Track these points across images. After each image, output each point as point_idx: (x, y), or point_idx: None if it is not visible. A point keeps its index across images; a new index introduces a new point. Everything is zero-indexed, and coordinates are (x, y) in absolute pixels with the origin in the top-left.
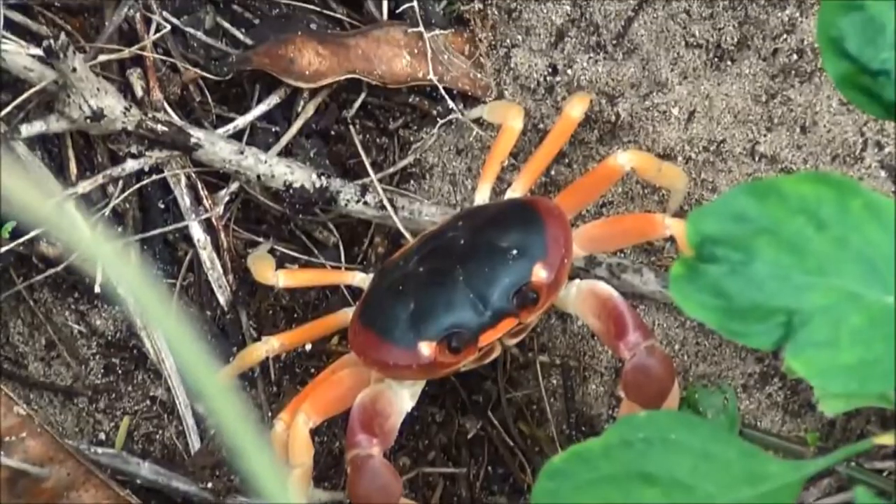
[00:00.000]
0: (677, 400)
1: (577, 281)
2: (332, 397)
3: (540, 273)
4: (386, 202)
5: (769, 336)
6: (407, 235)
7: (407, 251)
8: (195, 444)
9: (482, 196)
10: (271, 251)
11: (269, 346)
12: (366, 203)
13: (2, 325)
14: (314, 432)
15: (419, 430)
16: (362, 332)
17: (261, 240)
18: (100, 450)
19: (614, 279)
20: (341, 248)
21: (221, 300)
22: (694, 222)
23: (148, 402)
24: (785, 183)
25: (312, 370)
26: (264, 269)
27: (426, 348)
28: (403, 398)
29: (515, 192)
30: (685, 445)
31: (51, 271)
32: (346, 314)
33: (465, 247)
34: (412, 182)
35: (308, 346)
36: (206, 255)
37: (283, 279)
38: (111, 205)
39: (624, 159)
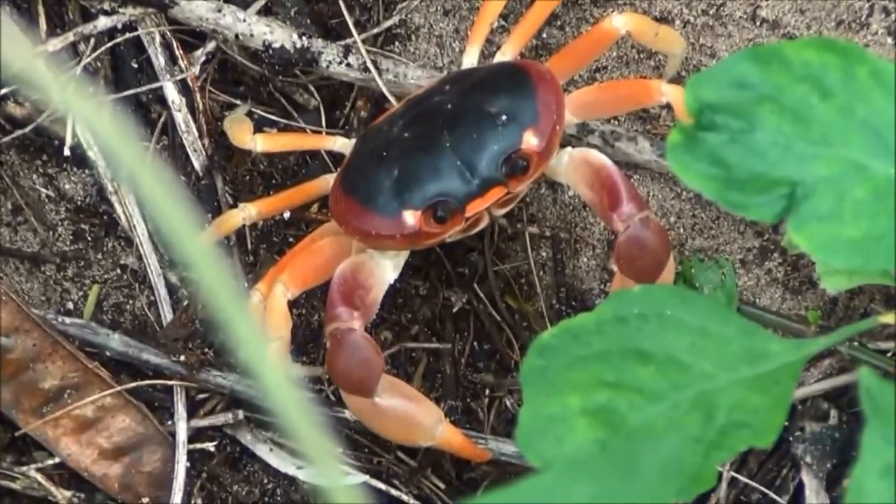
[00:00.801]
0: (672, 274)
1: (568, 149)
2: (311, 267)
3: (530, 140)
4: (370, 64)
5: (770, 208)
6: (391, 99)
7: (391, 115)
8: (167, 315)
9: (470, 59)
10: (249, 114)
11: (245, 213)
12: (348, 65)
13: None
14: (292, 304)
15: (402, 304)
16: (344, 199)
17: (238, 102)
18: (68, 320)
19: (608, 147)
20: (322, 111)
21: (196, 165)
22: (693, 89)
23: (118, 270)
24: (788, 48)
25: (291, 239)
26: (241, 133)
27: (410, 217)
28: (386, 269)
29: (505, 55)
30: (682, 322)
31: (18, 132)
32: (327, 181)
33: (451, 111)
34: (397, 44)
35: (286, 214)
36: (181, 117)
37: (261, 143)
38: (82, 64)
39: (619, 22)
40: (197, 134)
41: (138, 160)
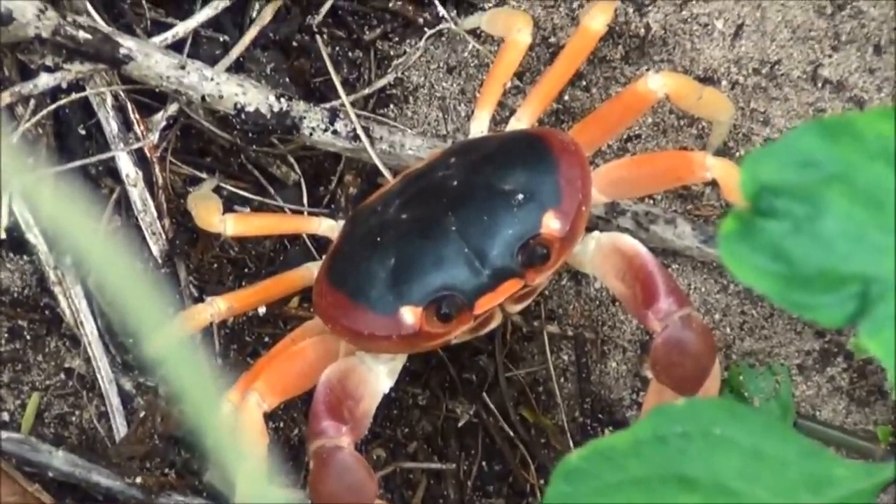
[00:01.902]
0: (718, 383)
1: (595, 233)
2: (291, 374)
3: (551, 223)
4: (360, 131)
5: (840, 309)
6: (385, 173)
7: (385, 194)
8: (121, 428)
9: (479, 126)
10: (217, 190)
11: (214, 308)
12: (335, 132)
13: None
14: (268, 417)
15: (397, 416)
16: (330, 293)
17: (204, 175)
18: (3, 434)
19: (642, 231)
20: (304, 187)
21: (155, 250)
22: (750, 167)
23: (62, 375)
24: (861, 120)
25: (266, 339)
26: (208, 213)
27: (410, 315)
28: (379, 376)
29: (521, 121)
30: (732, 442)
31: None
32: (310, 271)
33: (458, 189)
34: (392, 106)
35: (262, 310)
36: (137, 193)
37: (233, 226)
38: (20, 129)
39: (656, 83)
40: (156, 214)
41: (89, 242)
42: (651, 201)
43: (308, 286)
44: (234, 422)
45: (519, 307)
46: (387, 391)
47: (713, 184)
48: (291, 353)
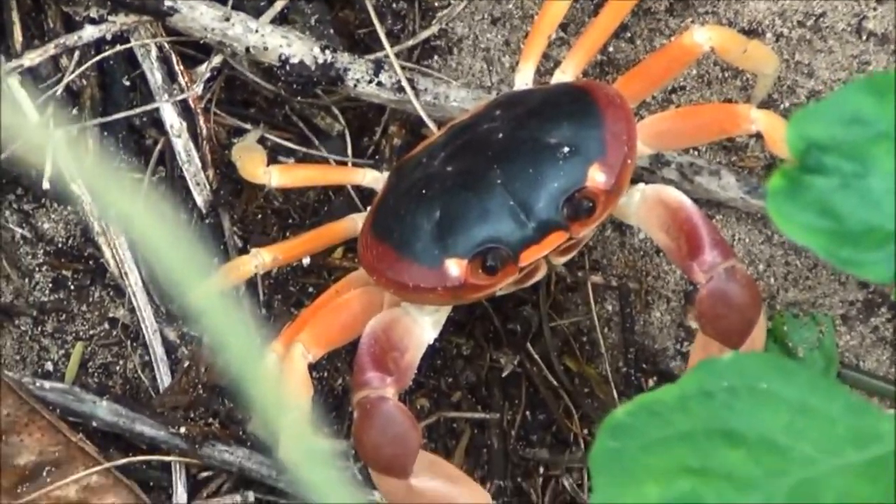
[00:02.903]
0: (764, 334)
1: (640, 185)
2: (336, 325)
3: (597, 176)
4: (405, 82)
5: (887, 266)
6: (430, 125)
7: (430, 145)
8: (164, 378)
9: (524, 78)
10: (261, 141)
11: (258, 259)
12: (379, 83)
13: None
14: (312, 367)
15: (441, 366)
16: (375, 245)
17: (249, 126)
18: (47, 384)
19: (686, 182)
20: (348, 138)
21: (199, 201)
22: (797, 125)
23: (106, 325)
24: None
25: (311, 289)
26: (253, 164)
27: (455, 267)
28: (424, 327)
29: (565, 74)
30: (778, 397)
31: None
32: (355, 222)
33: (503, 142)
34: (436, 58)
35: (305, 261)
36: (181, 144)
37: (277, 177)
38: (65, 81)
39: (702, 37)
40: (200, 164)
41: (131, 195)
42: (695, 153)
43: (352, 237)
44: (278, 372)
45: (564, 259)
46: (431, 342)
47: (758, 136)
48: (336, 304)
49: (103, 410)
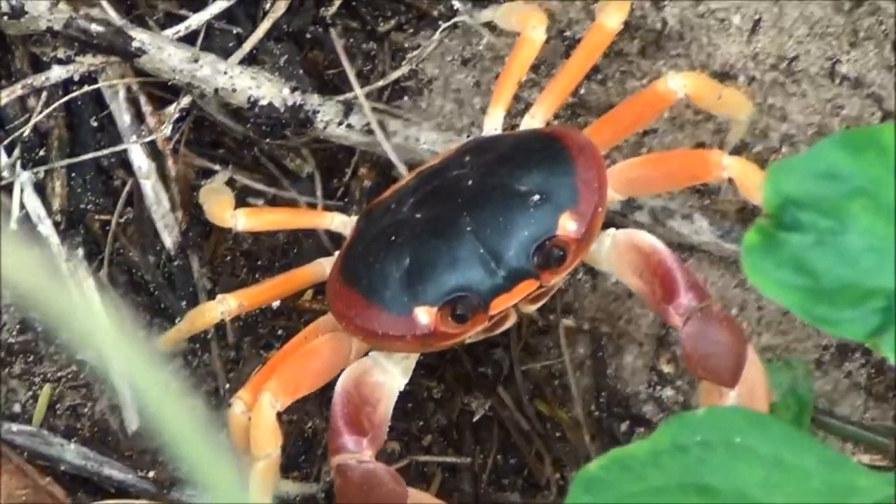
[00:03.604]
0: (760, 368)
1: (611, 230)
2: (304, 372)
3: (568, 224)
4: (374, 124)
5: (864, 324)
6: (400, 167)
7: (399, 191)
8: (133, 421)
9: (493, 123)
10: (230, 183)
11: (224, 306)
12: (349, 125)
13: None
14: (282, 411)
15: (412, 409)
16: (344, 292)
17: (218, 167)
18: (14, 426)
19: (658, 226)
20: (318, 180)
21: (168, 242)
22: (773, 180)
23: (74, 366)
24: (885, 133)
25: (280, 332)
26: (220, 207)
27: (425, 315)
28: (394, 376)
29: (535, 118)
30: (753, 451)
31: None
32: (322, 267)
33: (473, 189)
34: (407, 99)
35: (276, 304)
36: (150, 185)
37: (244, 220)
38: (32, 122)
39: (676, 84)
40: (169, 206)
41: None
42: (668, 196)
43: (320, 282)
44: (246, 420)
45: (534, 307)
46: (402, 388)
47: (730, 182)
48: (304, 351)
49: (71, 454)
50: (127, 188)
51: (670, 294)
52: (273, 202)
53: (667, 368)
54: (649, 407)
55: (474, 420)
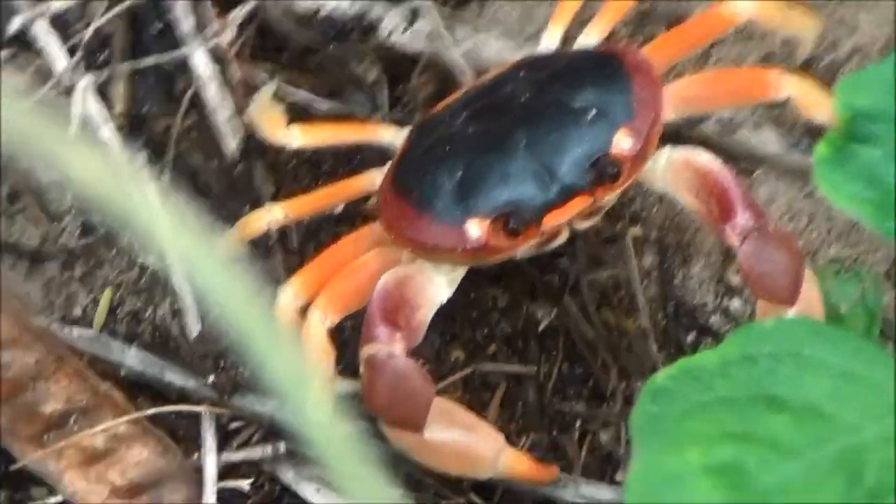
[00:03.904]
0: (816, 286)
1: (667, 149)
2: (354, 287)
3: (623, 141)
4: (441, 31)
5: None
6: (465, 74)
7: (452, 104)
8: (195, 326)
9: (550, 40)
10: (278, 95)
11: (271, 215)
12: (414, 32)
13: None
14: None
15: (477, 318)
16: (395, 202)
17: (278, 75)
18: (75, 331)
19: (726, 137)
20: (383, 87)
21: (231, 147)
22: (844, 93)
23: (136, 270)
24: None
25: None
26: (273, 125)
27: (476, 227)
28: (439, 286)
29: (591, 37)
30: (822, 363)
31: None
32: (373, 178)
33: (528, 104)
34: (473, 5)
35: (339, 208)
36: (213, 90)
37: (299, 136)
38: (93, 26)
39: (741, 7)
40: (231, 111)
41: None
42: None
43: (371, 193)
44: (292, 311)
45: (587, 224)
46: (445, 301)
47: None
48: (353, 266)
49: (132, 358)
50: (190, 92)
51: (727, 213)
52: (329, 117)
53: (734, 280)
54: (716, 318)
55: (539, 329)
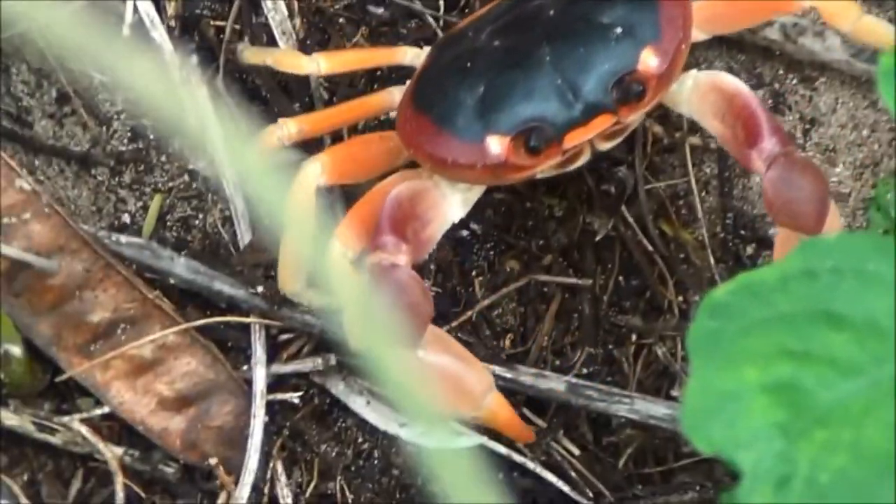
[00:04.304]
0: (839, 220)
1: (692, 72)
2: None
3: (649, 60)
4: None
5: None
6: None
7: (477, 19)
8: (245, 234)
9: None
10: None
11: (283, 130)
12: None
13: (2, 72)
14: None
15: (532, 227)
16: (415, 117)
17: None
18: (123, 238)
19: (789, 43)
20: None
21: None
22: None
23: (186, 176)
24: None
25: None
26: (296, 56)
27: (497, 144)
28: (452, 204)
29: None
30: (885, 279)
31: (69, 6)
32: (392, 95)
33: (554, 19)
34: None
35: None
36: None
37: (325, 63)
38: None
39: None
40: (286, 12)
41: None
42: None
43: (390, 110)
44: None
45: (609, 145)
46: (457, 221)
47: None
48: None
49: (181, 267)
50: None
51: (753, 137)
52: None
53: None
54: (776, 229)
55: (596, 240)
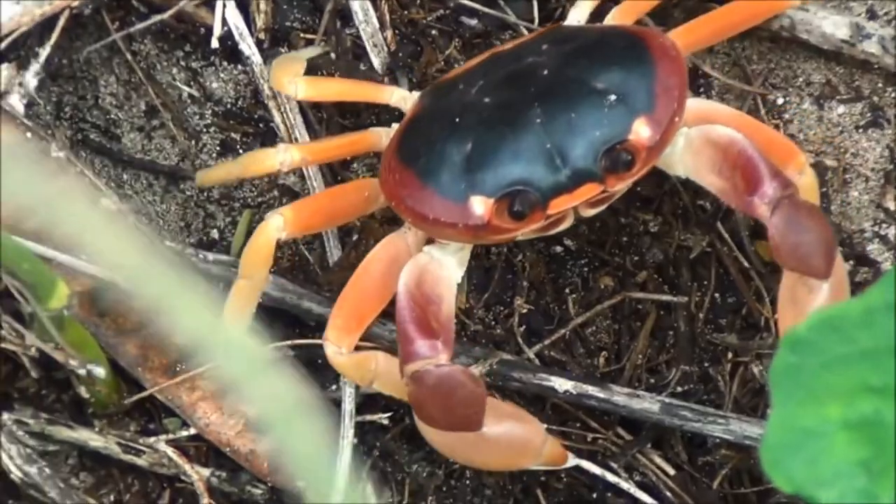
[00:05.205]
0: (843, 263)
1: (683, 129)
2: (368, 297)
3: (641, 130)
4: None
5: None
6: None
7: (468, 71)
8: (335, 252)
9: (578, 15)
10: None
11: (285, 156)
12: None
13: (90, 83)
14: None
15: (627, 243)
16: (399, 169)
17: None
18: (210, 256)
19: (888, 56)
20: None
21: (376, 63)
22: None
23: (276, 191)
24: None
25: None
26: (283, 73)
27: (480, 205)
28: (451, 268)
29: (622, 15)
30: None
31: (156, 18)
32: (379, 136)
33: (548, 78)
34: None
35: None
36: (359, 3)
37: (305, 88)
38: None
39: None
40: (377, 25)
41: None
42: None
43: (375, 151)
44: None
45: (593, 211)
46: (459, 280)
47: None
48: (333, 192)
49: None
50: (329, 6)
51: (754, 184)
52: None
53: (893, 206)
54: (874, 245)
55: (691, 256)
